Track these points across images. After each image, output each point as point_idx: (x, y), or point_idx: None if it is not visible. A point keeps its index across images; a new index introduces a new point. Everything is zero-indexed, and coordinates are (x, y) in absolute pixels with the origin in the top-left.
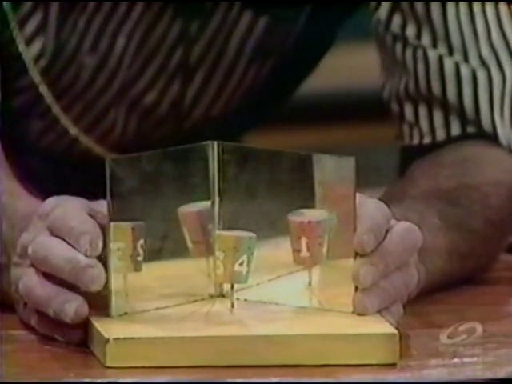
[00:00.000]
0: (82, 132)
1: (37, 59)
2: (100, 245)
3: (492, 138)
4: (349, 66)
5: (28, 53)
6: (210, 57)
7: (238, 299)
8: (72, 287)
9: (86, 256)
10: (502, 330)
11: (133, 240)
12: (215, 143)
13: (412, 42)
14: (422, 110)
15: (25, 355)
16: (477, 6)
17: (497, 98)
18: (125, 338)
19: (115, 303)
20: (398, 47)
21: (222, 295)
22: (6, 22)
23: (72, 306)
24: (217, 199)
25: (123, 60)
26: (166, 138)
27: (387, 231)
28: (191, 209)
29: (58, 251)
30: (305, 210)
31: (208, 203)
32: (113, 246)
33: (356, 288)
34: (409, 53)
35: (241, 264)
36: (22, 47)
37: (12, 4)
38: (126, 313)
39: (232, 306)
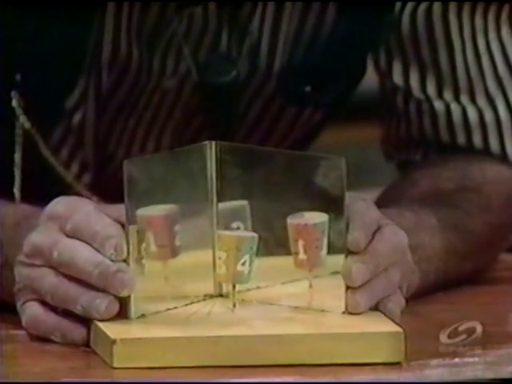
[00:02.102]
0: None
1: (77, 177)
2: (125, 249)
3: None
4: None
5: (69, 174)
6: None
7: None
8: (95, 289)
9: (112, 260)
10: (502, 330)
11: (138, 243)
12: (213, 143)
13: (416, 95)
14: (432, 152)
15: (25, 355)
16: (481, 42)
17: (507, 134)
18: (131, 339)
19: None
20: (400, 98)
21: (221, 295)
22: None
23: (104, 302)
24: (215, 199)
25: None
26: None
27: (375, 233)
28: (158, 212)
29: (84, 255)
30: (305, 213)
31: (174, 206)
32: None
33: (347, 287)
34: (412, 105)
35: (243, 264)
36: (61, 170)
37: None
38: (143, 315)
39: (234, 305)
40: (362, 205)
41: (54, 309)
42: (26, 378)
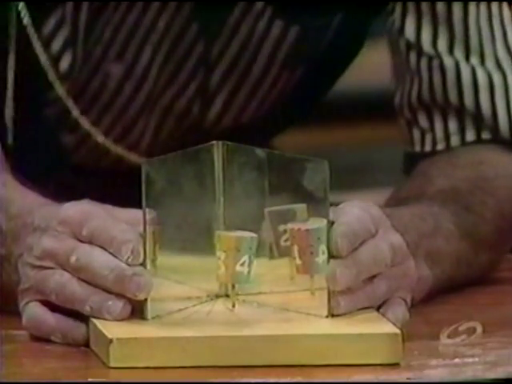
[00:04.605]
0: (112, 142)
1: (65, 75)
2: (142, 252)
3: (508, 142)
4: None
5: (54, 68)
6: (241, 64)
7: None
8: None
9: (128, 264)
10: (501, 330)
11: (153, 244)
12: (220, 143)
13: (427, 50)
14: (437, 118)
15: (25, 355)
16: (495, 7)
17: None
18: (128, 339)
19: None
20: (413, 56)
21: (227, 295)
22: (28, 42)
23: (118, 304)
24: (221, 199)
25: (150, 69)
26: (195, 144)
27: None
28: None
29: (101, 259)
30: (311, 218)
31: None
32: None
33: (329, 291)
34: (424, 62)
35: (242, 264)
36: (47, 64)
37: (35, 22)
38: (158, 315)
39: (233, 305)
40: (354, 212)
41: (54, 309)
42: (26, 378)
